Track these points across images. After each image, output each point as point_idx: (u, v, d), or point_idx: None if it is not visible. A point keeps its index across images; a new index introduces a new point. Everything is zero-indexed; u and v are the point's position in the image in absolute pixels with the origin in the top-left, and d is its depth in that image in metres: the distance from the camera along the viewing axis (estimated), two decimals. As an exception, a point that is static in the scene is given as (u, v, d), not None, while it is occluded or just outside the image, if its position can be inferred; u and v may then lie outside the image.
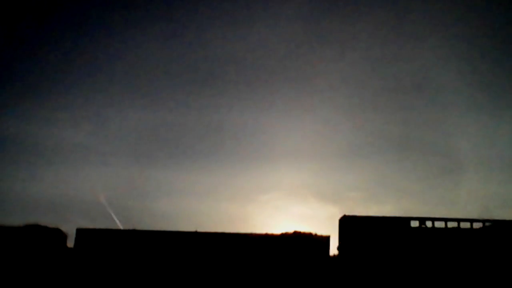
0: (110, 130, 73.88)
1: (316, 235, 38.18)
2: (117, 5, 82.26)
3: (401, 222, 38.65)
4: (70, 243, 37.28)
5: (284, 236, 37.90)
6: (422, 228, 38.66)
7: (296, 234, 38.10)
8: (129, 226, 37.95)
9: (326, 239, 38.05)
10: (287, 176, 68.07)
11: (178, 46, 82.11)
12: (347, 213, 38.89)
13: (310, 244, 37.61)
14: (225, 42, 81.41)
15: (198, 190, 66.44)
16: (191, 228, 37.92)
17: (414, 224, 38.89)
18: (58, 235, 36.64)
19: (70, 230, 37.94)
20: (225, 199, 65.35)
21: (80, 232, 36.99)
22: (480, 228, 38.62)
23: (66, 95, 73.94)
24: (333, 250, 38.81)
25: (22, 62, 75.11)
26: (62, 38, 78.37)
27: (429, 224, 38.91)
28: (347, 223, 38.71)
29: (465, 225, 38.74)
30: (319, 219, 64.84)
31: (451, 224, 38.70)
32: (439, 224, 38.73)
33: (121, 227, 38.62)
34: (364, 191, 69.73)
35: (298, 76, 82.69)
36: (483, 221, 38.85)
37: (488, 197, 66.06)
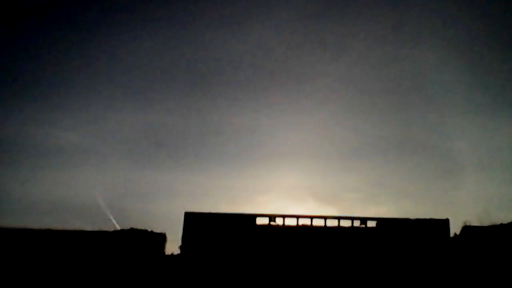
0: (109, 131, 74.33)
1: (152, 232, 37.39)
2: (117, 7, 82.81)
3: (246, 219, 37.55)
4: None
5: (118, 232, 37.20)
6: (270, 226, 37.44)
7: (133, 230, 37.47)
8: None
9: (163, 236, 37.55)
10: (286, 177, 68.13)
11: (178, 47, 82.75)
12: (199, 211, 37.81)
13: (147, 240, 36.97)
14: (224, 44, 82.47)
15: (197, 191, 65.78)
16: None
17: (262, 221, 37.70)
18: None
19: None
20: (224, 200, 65.06)
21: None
22: (336, 227, 37.47)
23: (65, 97, 74.06)
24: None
25: (21, 63, 76.02)
26: (62, 40, 78.36)
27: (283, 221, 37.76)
28: (190, 220, 37.47)
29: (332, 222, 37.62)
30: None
31: (303, 221, 37.67)
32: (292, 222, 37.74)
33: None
34: (362, 192, 69.69)
35: (297, 77, 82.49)
36: (338, 218, 37.83)
37: (487, 198, 64.50)
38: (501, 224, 36.14)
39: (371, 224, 37.41)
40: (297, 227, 36.98)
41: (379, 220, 37.37)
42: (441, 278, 34.41)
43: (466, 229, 36.88)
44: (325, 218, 37.40)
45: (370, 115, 79.90)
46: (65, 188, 60.08)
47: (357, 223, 37.23)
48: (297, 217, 37.41)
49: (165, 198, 65.67)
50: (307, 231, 36.85)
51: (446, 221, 36.79)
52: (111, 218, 41.28)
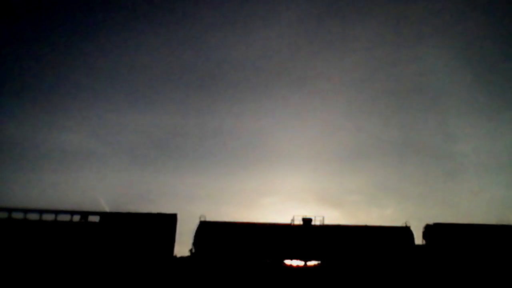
0: (110, 133, 74.59)
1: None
2: (118, 8, 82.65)
3: None
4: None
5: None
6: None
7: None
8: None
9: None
10: (288, 180, 68.04)
11: (179, 49, 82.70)
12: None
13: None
14: (226, 45, 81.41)
15: (199, 194, 66.00)
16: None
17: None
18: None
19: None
20: (226, 203, 64.74)
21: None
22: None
23: (66, 98, 74.74)
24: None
25: (21, 63, 77.15)
26: (62, 40, 79.18)
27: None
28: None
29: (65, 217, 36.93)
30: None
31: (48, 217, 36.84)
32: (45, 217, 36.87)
33: None
34: (365, 194, 69.20)
35: (299, 79, 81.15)
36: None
37: (490, 199, 64.76)
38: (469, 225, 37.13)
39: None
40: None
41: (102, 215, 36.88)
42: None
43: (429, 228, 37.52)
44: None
45: (373, 116, 78.47)
46: (66, 191, 58.81)
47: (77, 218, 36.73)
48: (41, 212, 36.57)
49: (167, 201, 65.67)
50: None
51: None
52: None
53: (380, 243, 36.99)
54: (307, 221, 38.09)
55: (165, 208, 55.44)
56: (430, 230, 37.92)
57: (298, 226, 37.95)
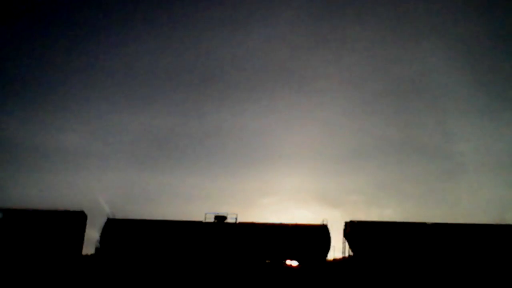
0: (110, 133, 74.78)
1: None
2: (117, 7, 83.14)
3: None
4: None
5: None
6: None
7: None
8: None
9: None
10: (288, 180, 68.12)
11: (179, 48, 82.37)
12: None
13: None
14: (225, 44, 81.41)
15: (198, 194, 66.01)
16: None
17: None
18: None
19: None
20: (226, 203, 65.96)
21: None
22: None
23: (65, 98, 74.98)
24: None
25: (20, 63, 76.80)
26: (61, 40, 79.08)
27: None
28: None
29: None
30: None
31: None
32: None
33: None
34: (365, 194, 68.72)
35: (299, 79, 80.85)
36: None
37: (490, 199, 64.27)
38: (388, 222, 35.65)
39: None
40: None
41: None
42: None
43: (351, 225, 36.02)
44: None
45: (372, 116, 77.95)
46: (66, 190, 58.87)
47: None
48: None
49: (166, 200, 65.74)
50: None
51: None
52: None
53: (295, 242, 35.47)
54: (220, 218, 36.61)
55: (164, 208, 62.35)
56: (351, 228, 36.21)
57: (211, 223, 36.52)
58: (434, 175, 70.22)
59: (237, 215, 36.64)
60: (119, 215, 36.54)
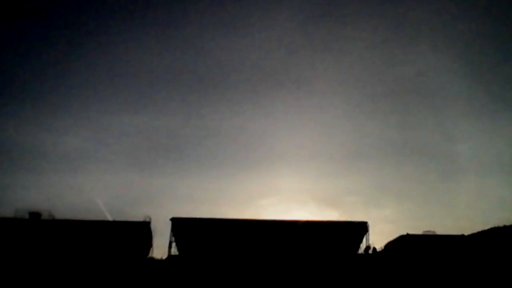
0: (109, 135, 74.17)
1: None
2: (116, 9, 79.84)
3: None
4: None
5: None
6: None
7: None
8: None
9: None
10: (287, 181, 67.88)
11: (177, 49, 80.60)
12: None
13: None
14: (224, 45, 79.68)
15: (198, 195, 66.37)
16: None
17: None
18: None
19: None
20: (225, 204, 64.70)
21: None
22: None
23: (64, 100, 74.04)
24: None
25: (20, 64, 74.26)
26: (61, 42, 76.42)
27: None
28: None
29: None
30: None
31: None
32: None
33: None
34: (363, 195, 68.48)
35: (297, 80, 79.60)
36: None
37: (488, 200, 64.94)
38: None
39: None
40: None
41: None
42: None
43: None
44: None
45: (371, 117, 77.58)
46: (65, 193, 59.85)
47: None
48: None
49: (165, 202, 65.90)
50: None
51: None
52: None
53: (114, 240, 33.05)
54: (34, 214, 33.77)
55: (165, 211, 61.02)
56: (172, 225, 33.89)
57: (24, 219, 33.86)
58: (433, 176, 70.73)
59: (50, 211, 33.70)
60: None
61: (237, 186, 70.14)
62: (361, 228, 33.89)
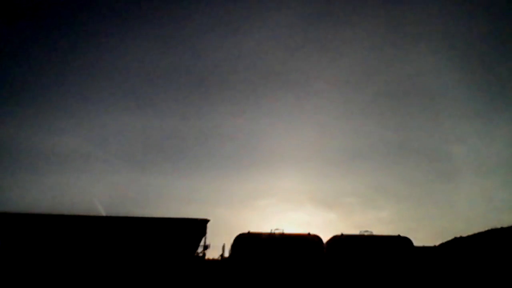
0: (106, 136, 72.08)
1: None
2: (115, 9, 76.29)
3: None
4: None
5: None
6: None
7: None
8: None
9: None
10: (284, 182, 66.21)
11: (175, 49, 78.49)
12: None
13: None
14: (222, 45, 78.33)
15: (194, 196, 64.23)
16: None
17: None
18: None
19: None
20: (221, 205, 63.01)
21: None
22: None
23: (61, 100, 71.05)
24: None
25: (18, 64, 71.01)
26: (58, 42, 73.69)
27: None
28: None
29: None
30: (317, 224, 60.19)
31: None
32: None
33: None
34: (361, 196, 66.81)
35: (295, 80, 77.86)
36: None
37: (487, 201, 62.55)
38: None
39: None
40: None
41: None
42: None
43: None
44: None
45: (369, 118, 75.49)
46: (63, 193, 56.31)
47: None
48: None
49: (163, 203, 62.84)
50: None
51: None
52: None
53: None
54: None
55: (163, 211, 57.60)
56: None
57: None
58: (431, 177, 68.96)
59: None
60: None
61: (234, 187, 68.94)
62: (200, 226, 32.75)
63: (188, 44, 79.43)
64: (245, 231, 31.59)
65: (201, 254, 33.10)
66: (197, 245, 33.30)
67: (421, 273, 29.46)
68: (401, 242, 30.77)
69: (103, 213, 34.72)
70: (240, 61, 79.35)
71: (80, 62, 74.00)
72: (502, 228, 32.73)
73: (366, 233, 31.95)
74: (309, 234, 29.65)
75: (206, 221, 33.32)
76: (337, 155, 73.96)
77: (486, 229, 34.20)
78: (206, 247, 33.05)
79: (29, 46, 72.58)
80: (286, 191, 64.91)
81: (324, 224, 33.95)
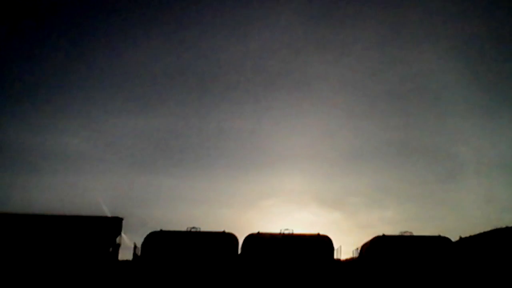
0: (108, 136, 70.30)
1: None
2: (117, 9, 75.39)
3: None
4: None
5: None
6: None
7: None
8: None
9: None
10: (288, 182, 65.29)
11: (177, 50, 76.89)
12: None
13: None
14: (224, 46, 75.87)
15: (198, 196, 63.47)
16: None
17: None
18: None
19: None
20: (226, 205, 61.95)
21: None
22: None
23: (63, 100, 68.88)
24: None
25: (20, 65, 70.33)
26: (60, 42, 71.08)
27: None
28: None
29: None
30: (321, 224, 60.37)
31: None
32: None
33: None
34: (366, 196, 65.57)
35: (298, 80, 75.53)
36: None
37: (491, 200, 60.08)
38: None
39: None
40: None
41: None
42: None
43: None
44: None
45: (372, 118, 73.73)
46: (66, 194, 55.12)
47: None
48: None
49: (166, 203, 61.76)
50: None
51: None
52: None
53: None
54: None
55: (165, 212, 57.19)
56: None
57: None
58: (435, 177, 67.36)
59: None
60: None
61: (238, 187, 67.68)
62: (113, 224, 32.29)
63: (190, 44, 78.09)
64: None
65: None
66: (110, 244, 32.69)
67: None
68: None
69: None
70: (243, 61, 78.04)
71: (82, 62, 72.88)
72: (507, 228, 33.18)
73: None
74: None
75: (120, 219, 32.75)
76: (341, 155, 73.35)
77: (490, 228, 34.72)
78: (118, 245, 32.41)
79: (31, 46, 71.32)
80: (290, 191, 64.43)
81: (328, 224, 33.69)
